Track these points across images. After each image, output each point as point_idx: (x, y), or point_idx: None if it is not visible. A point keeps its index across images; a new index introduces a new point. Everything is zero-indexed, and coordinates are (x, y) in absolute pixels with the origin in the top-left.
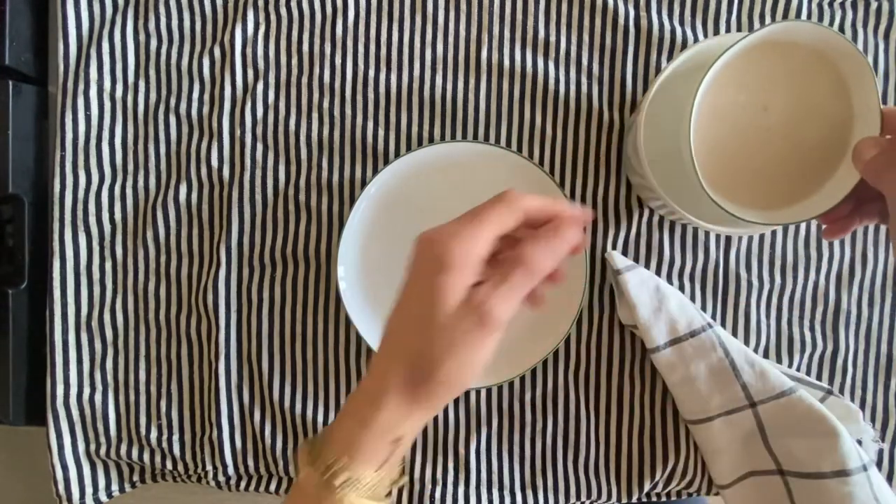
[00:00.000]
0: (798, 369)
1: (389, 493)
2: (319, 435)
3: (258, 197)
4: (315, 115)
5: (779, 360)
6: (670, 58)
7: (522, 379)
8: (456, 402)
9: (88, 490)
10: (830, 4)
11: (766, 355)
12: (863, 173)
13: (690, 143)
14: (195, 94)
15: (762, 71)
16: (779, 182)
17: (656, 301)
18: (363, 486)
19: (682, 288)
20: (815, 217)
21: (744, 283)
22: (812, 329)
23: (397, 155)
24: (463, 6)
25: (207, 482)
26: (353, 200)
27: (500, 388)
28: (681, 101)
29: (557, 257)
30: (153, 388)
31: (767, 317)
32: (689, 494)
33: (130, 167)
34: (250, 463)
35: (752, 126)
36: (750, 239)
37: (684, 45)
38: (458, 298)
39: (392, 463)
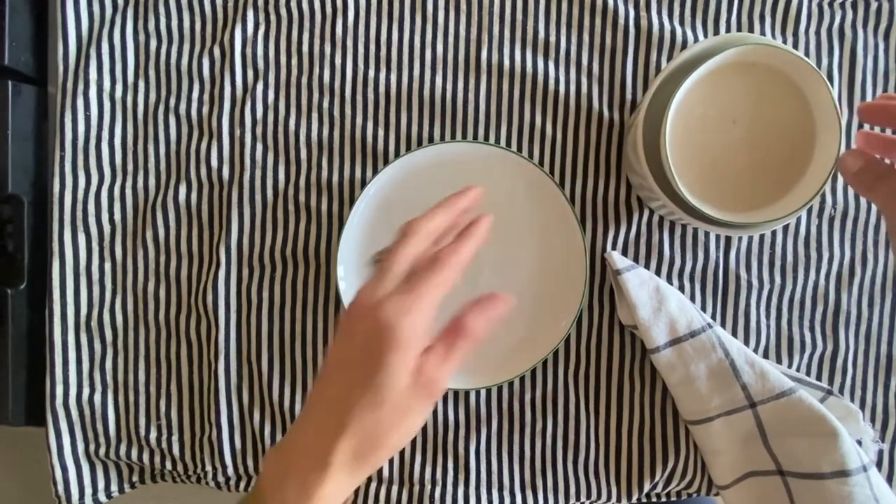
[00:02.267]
0: (798, 369)
1: None
2: (260, 491)
3: (258, 197)
4: (315, 115)
5: (779, 361)
6: (670, 58)
7: (522, 379)
8: (456, 402)
9: (88, 490)
10: (830, 4)
11: (766, 355)
12: (852, 185)
13: (667, 152)
14: (195, 94)
15: (728, 88)
16: (755, 185)
17: (656, 301)
18: None
19: (682, 288)
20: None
21: (744, 283)
22: (812, 329)
23: (397, 155)
24: (463, 6)
25: (207, 482)
26: (353, 200)
27: (500, 388)
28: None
29: (493, 321)
30: (153, 389)
31: (767, 317)
32: (689, 495)
33: (130, 167)
34: (250, 463)
35: (723, 137)
36: (750, 239)
37: (684, 45)
38: (409, 375)
39: None
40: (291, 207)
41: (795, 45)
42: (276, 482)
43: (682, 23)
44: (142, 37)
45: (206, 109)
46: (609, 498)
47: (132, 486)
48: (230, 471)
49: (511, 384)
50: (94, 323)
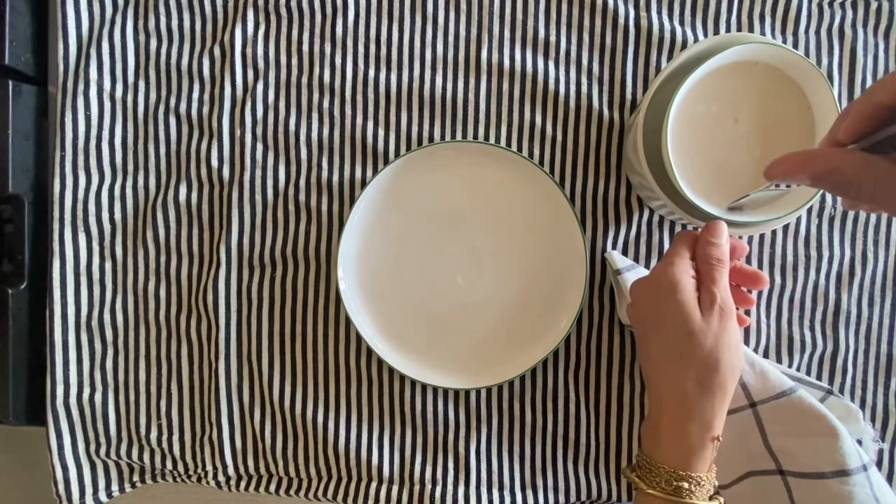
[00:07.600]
0: (798, 369)
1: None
2: (643, 461)
3: (258, 197)
4: (315, 115)
5: (779, 360)
6: (670, 58)
7: (522, 379)
8: (456, 402)
9: (88, 490)
10: (830, 4)
11: (766, 355)
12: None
13: (668, 150)
14: (195, 94)
15: (729, 87)
16: (755, 183)
17: None
18: (705, 487)
19: None
20: (793, 213)
21: None
22: (812, 329)
23: (397, 155)
24: (463, 6)
25: (207, 482)
26: (353, 200)
27: (500, 388)
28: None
29: (723, 239)
30: (153, 388)
31: (767, 316)
32: None
33: (130, 167)
34: (250, 463)
35: (725, 135)
36: (750, 239)
37: (684, 45)
38: (696, 306)
39: (712, 460)
40: (291, 207)
41: (795, 45)
42: (661, 449)
43: (682, 23)
44: (142, 37)
45: (206, 109)
46: (609, 497)
47: (132, 485)
48: (230, 470)
49: (511, 384)
50: (94, 323)
